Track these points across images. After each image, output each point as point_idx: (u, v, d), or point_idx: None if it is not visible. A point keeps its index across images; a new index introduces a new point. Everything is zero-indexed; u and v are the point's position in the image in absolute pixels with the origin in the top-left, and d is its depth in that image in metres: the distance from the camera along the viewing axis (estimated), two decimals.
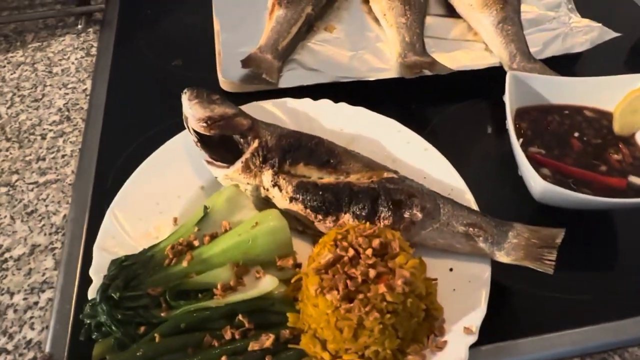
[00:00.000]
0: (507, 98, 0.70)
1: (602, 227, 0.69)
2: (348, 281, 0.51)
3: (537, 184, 0.61)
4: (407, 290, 0.50)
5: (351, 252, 0.53)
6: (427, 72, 0.81)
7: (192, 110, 0.69)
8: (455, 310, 0.57)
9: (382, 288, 0.50)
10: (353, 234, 0.55)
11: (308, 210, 0.64)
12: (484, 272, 0.60)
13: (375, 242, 0.53)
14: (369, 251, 0.53)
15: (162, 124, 0.78)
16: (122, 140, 0.78)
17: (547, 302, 0.62)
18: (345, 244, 0.54)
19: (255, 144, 0.67)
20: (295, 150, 0.67)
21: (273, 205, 0.66)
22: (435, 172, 0.70)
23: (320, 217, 0.63)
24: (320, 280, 0.52)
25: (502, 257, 0.59)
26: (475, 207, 0.65)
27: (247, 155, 0.67)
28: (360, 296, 0.50)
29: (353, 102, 0.77)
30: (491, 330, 0.58)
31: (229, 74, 0.82)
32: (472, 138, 0.80)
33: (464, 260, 0.61)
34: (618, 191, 0.65)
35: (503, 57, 0.83)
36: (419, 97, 0.84)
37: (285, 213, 0.64)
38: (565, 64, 0.87)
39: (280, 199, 0.65)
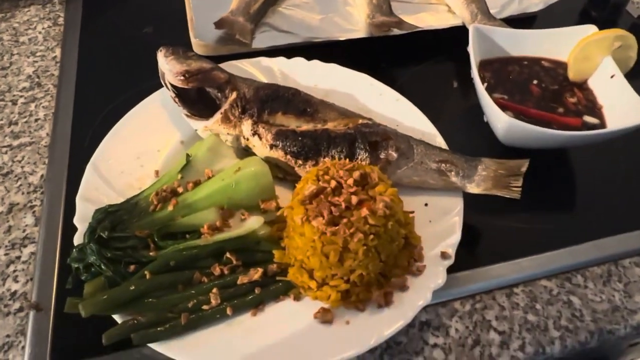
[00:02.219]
0: (471, 49, 0.74)
1: (561, 165, 0.74)
2: (332, 208, 0.53)
3: (502, 121, 0.66)
4: (388, 213, 0.53)
5: (333, 183, 0.56)
6: (395, 31, 0.84)
7: (169, 65, 0.70)
8: (432, 238, 0.61)
9: (364, 212, 0.53)
10: (334, 169, 0.58)
11: (288, 156, 0.66)
12: (457, 204, 0.63)
13: (356, 174, 0.56)
14: (350, 181, 0.55)
15: (135, 87, 0.78)
16: (96, 103, 0.78)
17: (514, 232, 0.67)
18: (327, 177, 0.57)
19: (234, 95, 0.69)
20: (272, 100, 0.69)
21: (253, 155, 0.68)
22: (407, 119, 0.73)
23: (300, 162, 0.66)
24: (305, 210, 0.54)
25: (473, 189, 0.63)
26: (445, 147, 0.69)
27: (226, 106, 0.68)
28: (344, 220, 0.53)
29: (325, 61, 0.80)
30: (466, 259, 0.62)
31: (202, 37, 0.83)
32: (439, 93, 0.84)
33: (437, 196, 0.65)
34: (575, 129, 0.70)
35: (465, 17, 0.88)
36: (388, 57, 0.88)
37: (266, 161, 0.66)
38: (521, 25, 0.92)
39: (261, 147, 0.67)
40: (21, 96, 0.80)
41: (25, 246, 0.63)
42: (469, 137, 0.77)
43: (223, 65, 0.77)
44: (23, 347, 0.56)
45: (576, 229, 0.67)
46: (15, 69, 0.84)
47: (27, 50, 0.87)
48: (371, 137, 0.66)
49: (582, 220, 0.69)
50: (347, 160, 0.63)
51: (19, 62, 0.85)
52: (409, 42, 0.87)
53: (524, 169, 0.62)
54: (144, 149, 0.69)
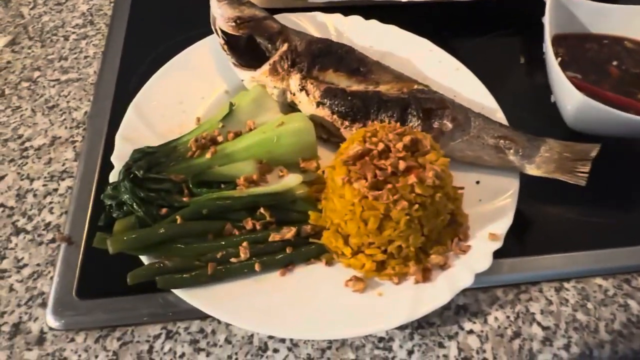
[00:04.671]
0: (546, 19, 0.67)
1: (632, 156, 0.67)
2: (377, 171, 0.49)
3: (574, 99, 0.59)
4: (437, 183, 0.49)
5: (381, 146, 0.52)
6: None
7: (221, 10, 0.67)
8: (480, 219, 0.56)
9: (412, 179, 0.49)
10: (383, 132, 0.54)
11: (335, 116, 0.62)
12: (512, 185, 0.58)
13: (406, 139, 0.52)
14: (400, 145, 0.51)
15: (186, 33, 0.76)
16: (146, 46, 0.77)
17: (572, 223, 0.61)
18: (375, 139, 0.53)
19: (285, 47, 0.65)
20: (324, 56, 0.65)
21: (299, 111, 0.65)
22: (466, 90, 0.68)
23: (347, 123, 0.62)
24: (348, 170, 0.51)
25: (533, 170, 0.58)
26: (506, 122, 0.63)
27: (275, 57, 0.65)
28: (389, 186, 0.49)
29: (384, 23, 0.75)
30: (515, 245, 0.57)
31: None
32: (504, 68, 0.77)
33: (491, 174, 0.60)
34: None
35: None
36: (451, 24, 0.82)
37: (312, 119, 0.63)
38: None
39: (307, 104, 0.64)
40: (73, 32, 0.80)
41: (63, 179, 0.63)
42: (533, 119, 0.70)
43: (277, 17, 0.73)
44: (51, 278, 0.55)
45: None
46: (71, 5, 0.84)
47: None
48: (426, 104, 0.61)
49: None
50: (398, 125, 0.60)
51: None
52: (475, 10, 0.80)
53: (593, 154, 0.56)
54: (187, 94, 0.67)
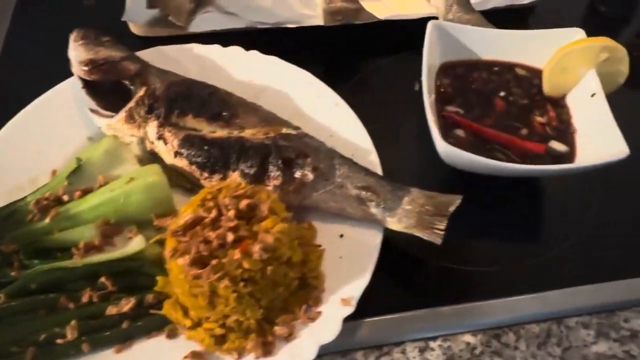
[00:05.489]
0: (425, 51, 0.63)
1: (511, 198, 0.63)
2: (202, 245, 0.46)
3: (439, 145, 0.55)
4: (265, 257, 0.46)
5: (214, 212, 0.48)
6: (350, 21, 0.73)
7: (76, 52, 0.62)
8: (338, 279, 0.53)
9: (237, 254, 0.45)
10: (224, 193, 0.50)
11: (193, 167, 0.58)
12: (375, 239, 0.55)
13: (243, 204, 0.48)
14: (232, 213, 0.47)
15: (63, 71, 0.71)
16: (18, 85, 0.72)
17: (441, 274, 0.58)
18: (211, 204, 0.49)
19: (142, 91, 0.61)
20: (184, 100, 0.60)
21: (161, 161, 0.61)
22: (343, 129, 0.64)
23: (206, 174, 0.58)
24: (176, 242, 0.47)
25: (394, 224, 0.54)
26: (378, 169, 0.59)
27: (131, 104, 0.61)
28: (214, 262, 0.45)
29: (272, 50, 0.70)
30: (376, 302, 0.54)
31: (134, 14, 0.74)
32: (397, 94, 0.73)
33: (356, 226, 0.56)
34: (535, 157, 0.59)
35: (439, 7, 0.75)
36: (347, 48, 0.77)
37: (173, 169, 0.59)
38: (513, 19, 0.80)
39: (166, 154, 0.59)
40: None
41: None
42: (420, 152, 0.67)
43: (149, 51, 0.69)
44: None
45: (516, 278, 0.57)
46: None
47: None
48: (286, 152, 0.57)
49: (525, 267, 0.58)
50: (258, 178, 0.56)
51: None
52: (372, 32, 0.76)
53: (452, 209, 0.52)
54: (46, 142, 0.62)
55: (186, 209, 0.50)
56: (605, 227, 0.61)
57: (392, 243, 0.56)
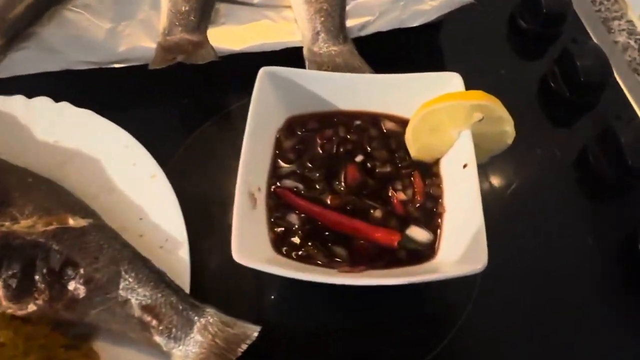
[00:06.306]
0: (252, 108, 0.48)
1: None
2: None
3: (235, 254, 0.42)
4: None
5: None
6: (190, 60, 0.58)
7: None
8: None
9: None
10: None
11: None
12: None
13: None
14: None
15: None
16: None
17: None
18: None
19: None
20: None
21: None
22: (155, 210, 0.51)
23: None
24: None
25: None
26: (187, 267, 0.46)
27: None
28: None
29: (94, 98, 0.57)
30: None
31: None
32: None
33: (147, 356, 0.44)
34: (386, 251, 0.46)
35: (305, 36, 0.61)
36: (201, 86, 0.63)
37: None
38: (413, 40, 0.65)
39: None
40: None
41: None
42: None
43: None
44: None
45: None
46: None
47: None
48: (53, 260, 0.44)
49: None
50: (24, 292, 0.43)
51: None
52: (233, 64, 0.61)
53: (243, 347, 0.39)
54: None
55: None
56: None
57: None
